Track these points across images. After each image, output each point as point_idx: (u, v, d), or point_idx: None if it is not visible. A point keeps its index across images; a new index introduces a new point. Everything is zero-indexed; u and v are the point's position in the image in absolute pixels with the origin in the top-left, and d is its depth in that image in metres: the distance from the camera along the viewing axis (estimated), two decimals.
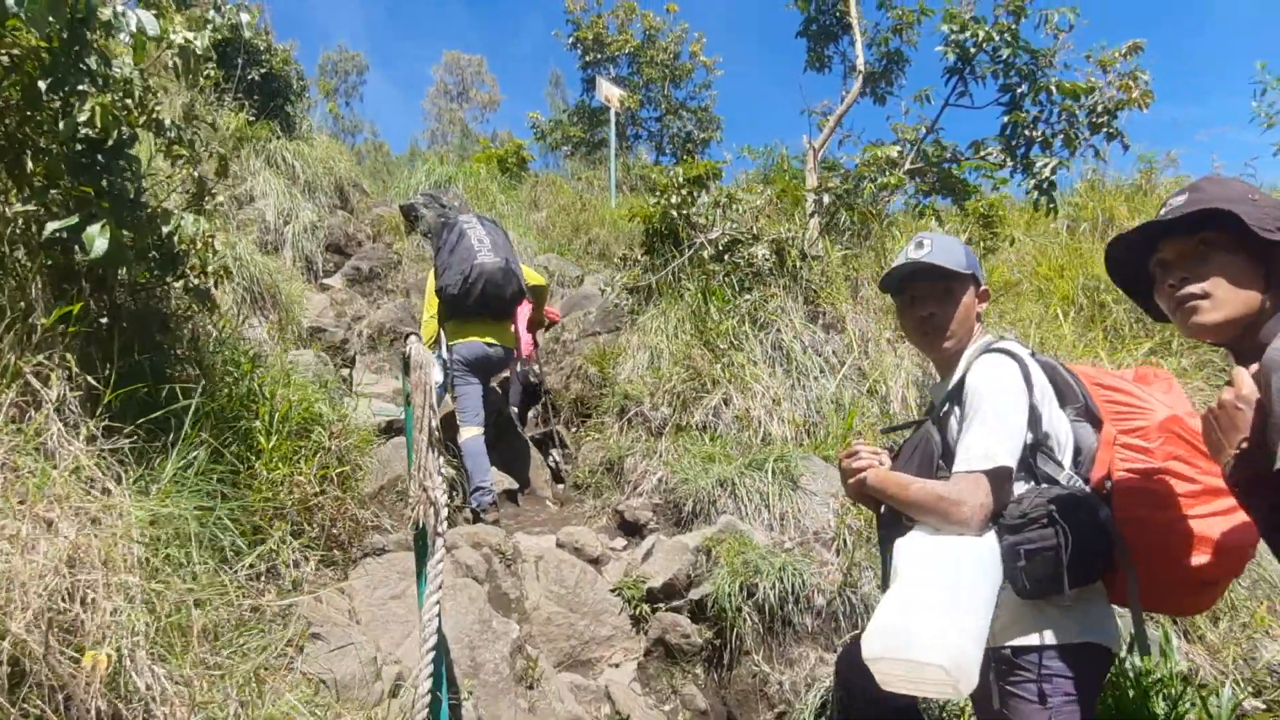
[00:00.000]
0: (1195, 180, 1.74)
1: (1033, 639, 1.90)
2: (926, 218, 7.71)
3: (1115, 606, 2.03)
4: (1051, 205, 6.61)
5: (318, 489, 3.59)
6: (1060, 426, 2.01)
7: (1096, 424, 2.04)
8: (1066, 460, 1.99)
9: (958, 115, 7.60)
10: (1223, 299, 1.60)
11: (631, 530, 4.81)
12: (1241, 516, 1.92)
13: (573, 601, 3.96)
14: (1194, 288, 1.62)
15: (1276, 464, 1.35)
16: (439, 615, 2.44)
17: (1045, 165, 6.47)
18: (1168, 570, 1.91)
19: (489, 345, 5.07)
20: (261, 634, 2.73)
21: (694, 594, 3.85)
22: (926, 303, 2.18)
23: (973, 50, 6.68)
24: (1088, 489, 1.95)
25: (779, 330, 5.85)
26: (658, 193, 7.07)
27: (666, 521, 4.72)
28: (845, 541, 4.00)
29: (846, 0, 8.11)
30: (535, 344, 6.56)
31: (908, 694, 1.96)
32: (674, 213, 6.79)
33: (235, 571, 2.85)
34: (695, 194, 6.88)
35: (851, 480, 2.23)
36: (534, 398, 7.00)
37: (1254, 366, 1.53)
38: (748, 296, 6.06)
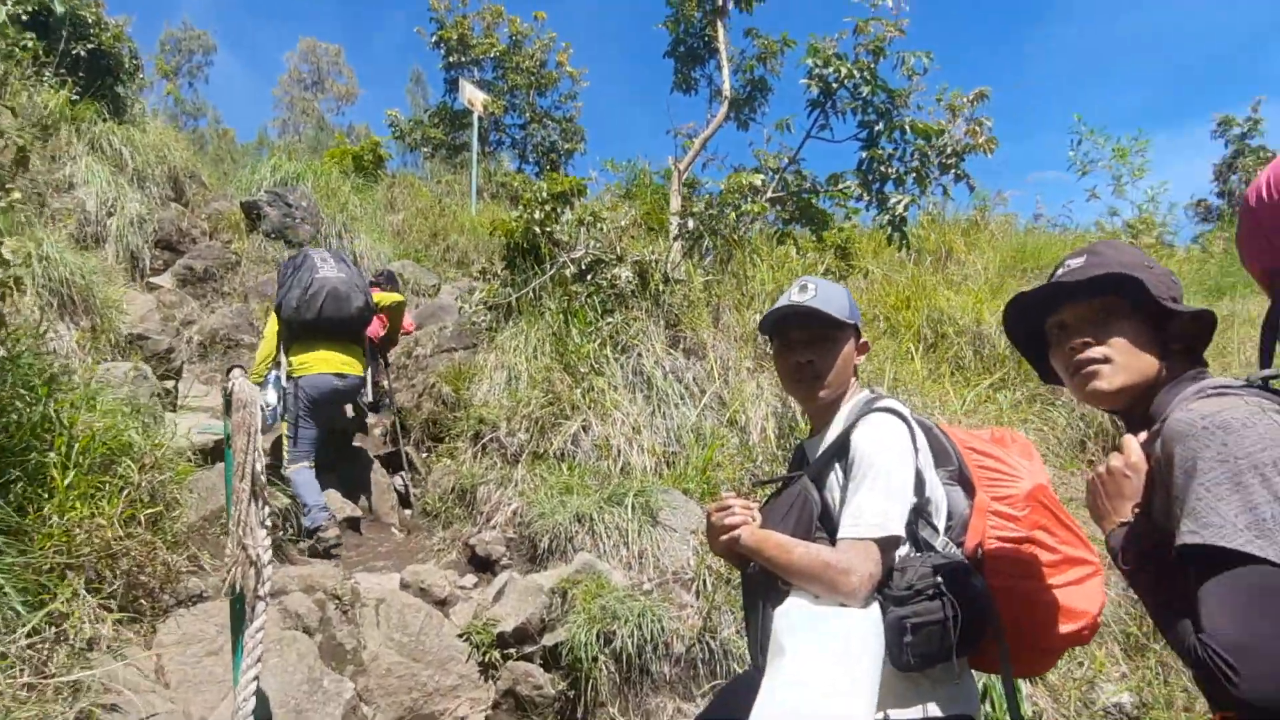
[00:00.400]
0: (1092, 244, 1.72)
1: (913, 712, 1.81)
2: (787, 245, 7.82)
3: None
4: (904, 241, 6.83)
5: (122, 532, 3.17)
6: (937, 491, 1.97)
7: (969, 488, 2.00)
8: (941, 525, 1.95)
9: (818, 147, 7.77)
10: (1122, 365, 1.57)
11: (483, 566, 4.56)
12: (1094, 585, 1.96)
13: (416, 650, 3.68)
14: (1094, 352, 1.59)
15: (1179, 540, 1.29)
16: (255, 694, 2.15)
17: (899, 202, 6.66)
18: (1033, 637, 1.92)
19: (338, 378, 4.92)
20: (43, 713, 2.35)
21: (548, 640, 3.65)
22: (805, 349, 2.07)
23: (835, 85, 6.82)
24: (962, 556, 1.91)
25: (640, 355, 5.74)
26: (521, 206, 6.85)
27: (521, 557, 4.49)
28: (705, 583, 3.91)
29: (714, 25, 8.15)
30: (386, 362, 6.20)
31: None
32: (537, 228, 6.59)
33: (13, 640, 2.44)
34: (559, 210, 6.70)
35: (723, 537, 2.10)
36: (375, 409, 6.61)
37: (1143, 435, 1.51)
38: (609, 319, 5.92)
